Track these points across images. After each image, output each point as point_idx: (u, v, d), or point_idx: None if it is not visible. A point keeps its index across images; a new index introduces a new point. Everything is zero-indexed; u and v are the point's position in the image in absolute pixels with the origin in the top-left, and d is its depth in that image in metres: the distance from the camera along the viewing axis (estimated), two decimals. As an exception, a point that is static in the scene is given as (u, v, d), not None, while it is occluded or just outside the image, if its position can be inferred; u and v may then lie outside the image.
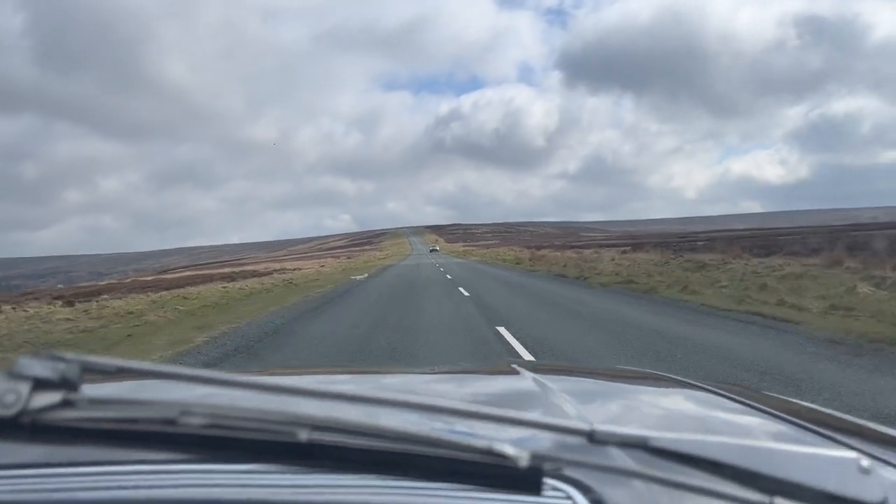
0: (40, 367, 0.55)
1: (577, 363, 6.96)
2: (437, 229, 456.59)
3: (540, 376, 1.48)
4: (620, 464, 0.66)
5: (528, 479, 0.61)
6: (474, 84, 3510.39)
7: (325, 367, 5.12)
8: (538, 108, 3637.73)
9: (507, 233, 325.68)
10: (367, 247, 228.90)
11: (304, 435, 0.58)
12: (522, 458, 0.60)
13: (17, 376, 0.55)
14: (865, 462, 0.65)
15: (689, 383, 1.58)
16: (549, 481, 0.68)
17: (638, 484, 0.71)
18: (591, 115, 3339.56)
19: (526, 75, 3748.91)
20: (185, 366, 0.74)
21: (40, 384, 0.55)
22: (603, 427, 0.64)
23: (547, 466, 0.62)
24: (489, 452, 0.60)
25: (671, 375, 1.74)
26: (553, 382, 1.43)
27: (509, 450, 0.60)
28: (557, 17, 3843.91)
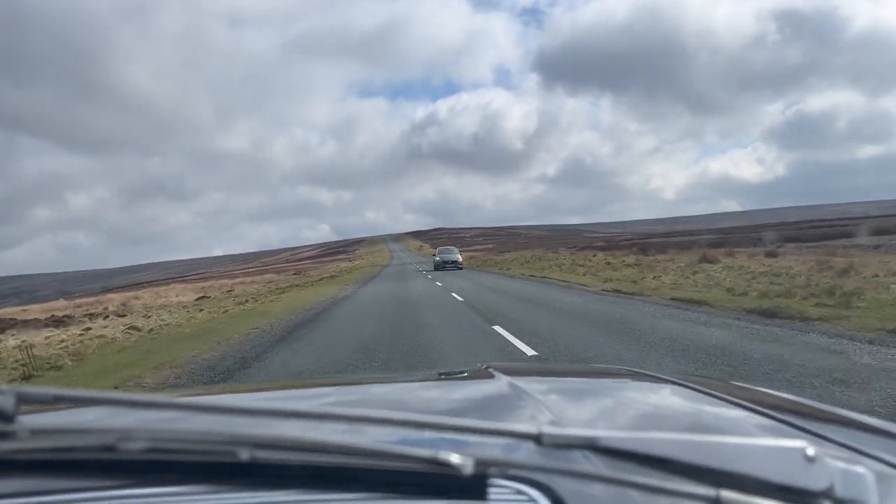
0: None
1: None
2: (419, 235, 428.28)
3: (515, 379, 1.47)
4: (568, 466, 0.66)
5: (473, 486, 0.60)
6: (450, 89, 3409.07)
7: (281, 382, 4.55)
8: (516, 112, 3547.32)
9: (498, 236, 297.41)
10: (339, 256, 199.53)
11: (245, 454, 0.57)
12: (467, 466, 0.59)
13: None
14: (811, 451, 0.64)
15: (664, 378, 1.60)
16: (495, 488, 0.66)
17: (586, 485, 0.70)
18: (570, 116, 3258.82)
19: (503, 78, 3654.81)
20: (122, 391, 0.60)
21: None
22: (550, 430, 0.63)
23: (492, 472, 0.61)
24: (434, 462, 0.59)
25: (650, 372, 1.78)
26: (527, 384, 1.43)
27: (454, 458, 0.59)
28: (533, 17, 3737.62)
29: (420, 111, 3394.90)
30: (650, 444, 0.65)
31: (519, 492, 0.70)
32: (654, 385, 1.57)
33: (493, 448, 0.74)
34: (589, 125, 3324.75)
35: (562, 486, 0.71)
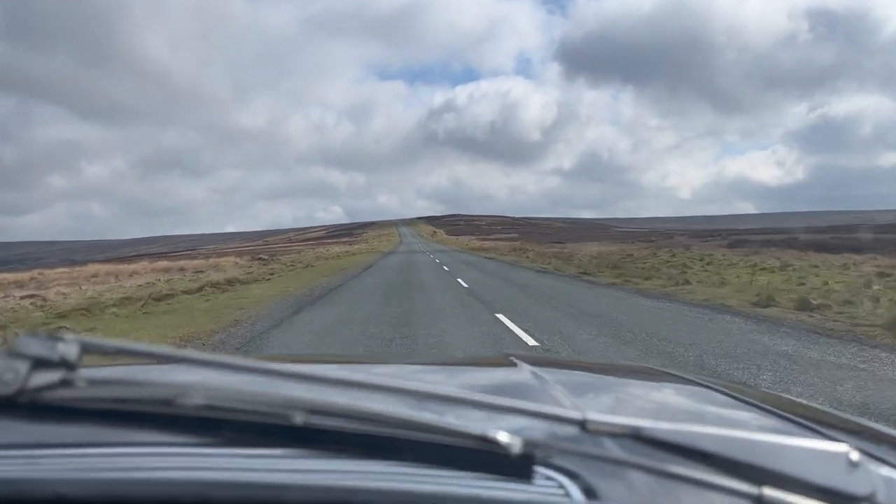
0: (39, 347, 0.54)
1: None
2: (433, 220, 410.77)
3: (537, 368, 1.47)
4: (611, 453, 0.66)
5: (519, 466, 0.61)
6: (470, 75, 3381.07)
7: (318, 356, 4.62)
8: (535, 102, 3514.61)
9: (517, 226, 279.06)
10: (345, 239, 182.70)
11: (299, 418, 0.57)
12: (515, 446, 0.60)
13: (16, 355, 0.54)
14: (855, 455, 0.65)
15: (682, 377, 1.61)
16: (540, 469, 0.67)
17: (628, 473, 0.71)
18: (590, 108, 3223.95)
19: (523, 67, 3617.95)
20: (181, 349, 0.67)
21: (39, 363, 0.54)
22: (595, 416, 0.64)
23: (538, 454, 0.62)
24: (482, 439, 0.60)
25: (666, 370, 1.77)
26: (549, 374, 1.44)
27: (502, 437, 0.60)
28: (557, 4, 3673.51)
29: (438, 96, 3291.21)
30: (694, 438, 0.65)
31: (560, 476, 0.71)
32: (682, 385, 1.53)
33: (535, 431, 0.74)
34: (608, 118, 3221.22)
35: (602, 473, 0.72)
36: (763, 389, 1.75)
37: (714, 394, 1.36)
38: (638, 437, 0.64)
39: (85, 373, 0.56)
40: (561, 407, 0.65)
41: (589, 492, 0.70)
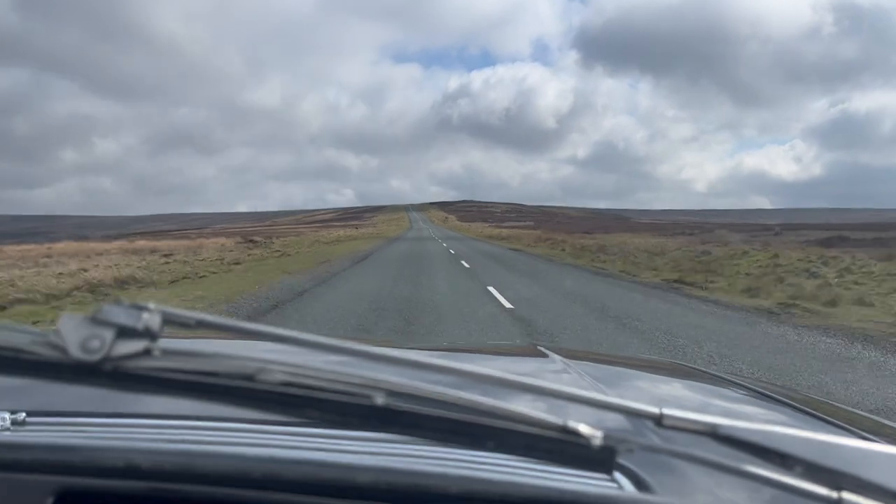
0: (124, 315, 0.54)
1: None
2: (444, 206, 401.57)
3: (569, 360, 1.45)
4: (688, 450, 0.64)
5: (600, 458, 0.60)
6: (486, 60, 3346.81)
7: (351, 338, 4.02)
8: (551, 89, 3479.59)
9: (532, 214, 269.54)
10: (353, 221, 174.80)
11: (380, 399, 0.57)
12: (596, 438, 0.59)
13: (100, 322, 0.54)
14: None
15: (718, 376, 1.56)
16: (619, 463, 0.66)
17: (703, 471, 0.68)
18: (607, 98, 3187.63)
19: (541, 53, 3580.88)
20: (261, 324, 0.60)
21: (123, 332, 0.54)
22: (671, 412, 0.62)
23: (620, 447, 0.61)
24: (563, 430, 0.59)
25: (700, 367, 1.70)
26: (582, 367, 1.41)
27: (584, 428, 0.59)
28: None
29: (454, 81, 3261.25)
30: (772, 438, 0.63)
31: (637, 470, 0.68)
32: (721, 385, 1.47)
33: (610, 424, 0.72)
34: (625, 108, 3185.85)
35: (673, 468, 0.70)
36: (806, 392, 1.61)
37: (751, 392, 1.32)
38: (714, 435, 0.63)
39: (166, 343, 0.56)
40: (635, 401, 0.64)
41: (657, 487, 0.69)
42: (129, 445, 0.68)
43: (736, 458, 0.61)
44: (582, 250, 29.70)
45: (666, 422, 0.61)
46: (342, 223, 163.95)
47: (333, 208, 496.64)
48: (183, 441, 0.69)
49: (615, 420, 0.74)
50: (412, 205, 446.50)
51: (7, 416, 0.75)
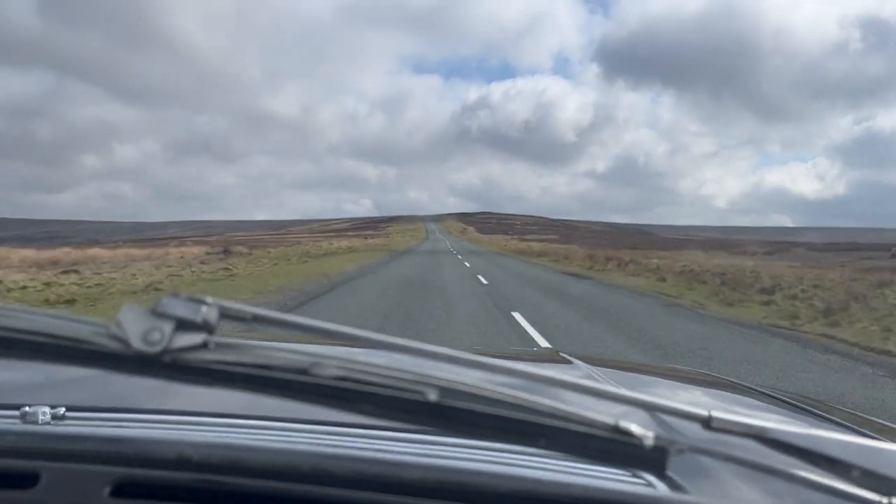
0: (183, 308, 0.55)
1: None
2: (462, 217, 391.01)
3: (592, 368, 1.43)
4: (737, 452, 0.64)
5: (652, 459, 0.60)
6: (506, 72, 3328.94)
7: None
8: (572, 102, 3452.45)
9: (554, 227, 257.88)
10: (368, 232, 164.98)
11: (433, 395, 0.57)
12: (648, 438, 0.58)
13: (160, 315, 0.55)
14: None
15: (738, 384, 1.54)
16: (670, 463, 0.66)
17: (752, 473, 0.67)
18: (628, 111, 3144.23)
19: (561, 66, 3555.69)
20: (315, 319, 0.61)
21: (182, 325, 0.54)
22: (720, 414, 0.61)
23: (671, 448, 0.60)
24: (615, 430, 0.58)
25: (725, 377, 1.68)
26: (607, 374, 1.38)
27: (636, 429, 0.58)
28: (599, 3, 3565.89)
29: (473, 92, 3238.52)
30: (820, 442, 0.62)
31: (685, 471, 0.68)
32: (744, 392, 1.45)
33: (660, 425, 0.71)
34: (646, 122, 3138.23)
35: (722, 470, 0.69)
36: (843, 407, 1.49)
37: (777, 401, 1.30)
38: (762, 439, 0.62)
39: (221, 337, 0.57)
40: (685, 403, 0.64)
41: (706, 490, 0.69)
42: (180, 438, 0.70)
43: (785, 463, 0.60)
44: (692, 280, 18.89)
45: (715, 424, 0.61)
46: (355, 233, 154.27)
47: (349, 218, 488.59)
48: (236, 434, 0.71)
49: (664, 422, 0.72)
50: (429, 216, 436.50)
51: (48, 410, 0.76)
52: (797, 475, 0.60)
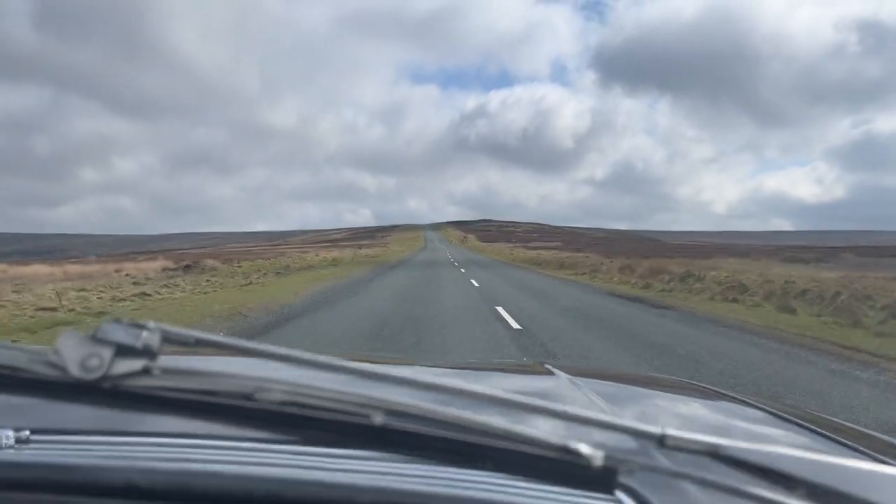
0: (123, 334, 0.53)
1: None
2: (462, 225, 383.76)
3: (575, 378, 1.44)
4: (691, 470, 0.63)
5: (601, 479, 0.59)
6: (504, 80, 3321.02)
7: (356, 355, 3.85)
8: (569, 109, 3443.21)
9: (556, 234, 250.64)
10: (366, 241, 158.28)
11: (378, 418, 0.56)
12: (597, 458, 0.57)
13: (99, 341, 0.53)
14: None
15: (722, 393, 1.55)
16: (620, 484, 0.65)
17: (706, 492, 0.67)
18: (625, 118, 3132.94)
19: (558, 74, 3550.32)
20: (260, 343, 0.61)
21: (122, 350, 0.53)
22: (674, 432, 0.61)
23: (621, 468, 0.60)
24: (564, 450, 0.57)
25: (703, 385, 1.71)
26: (588, 385, 1.39)
27: (584, 449, 0.58)
28: (595, 11, 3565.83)
29: (471, 101, 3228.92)
30: (776, 459, 0.61)
31: (637, 492, 0.68)
32: (726, 402, 1.47)
33: (612, 444, 0.71)
34: (644, 129, 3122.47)
35: (674, 490, 0.70)
36: (809, 409, 1.59)
37: (759, 412, 1.31)
38: (716, 456, 0.61)
39: (165, 362, 0.55)
40: (639, 420, 0.64)
41: None
42: (129, 465, 0.68)
43: (739, 480, 0.60)
44: (819, 306, 12.03)
45: (669, 442, 0.60)
46: (350, 243, 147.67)
47: (348, 228, 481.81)
48: (184, 459, 0.69)
49: (618, 440, 0.73)
50: (429, 224, 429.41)
51: (11, 433, 0.74)
52: (750, 492, 0.59)
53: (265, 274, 27.68)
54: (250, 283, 23.15)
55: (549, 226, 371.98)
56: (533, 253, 64.31)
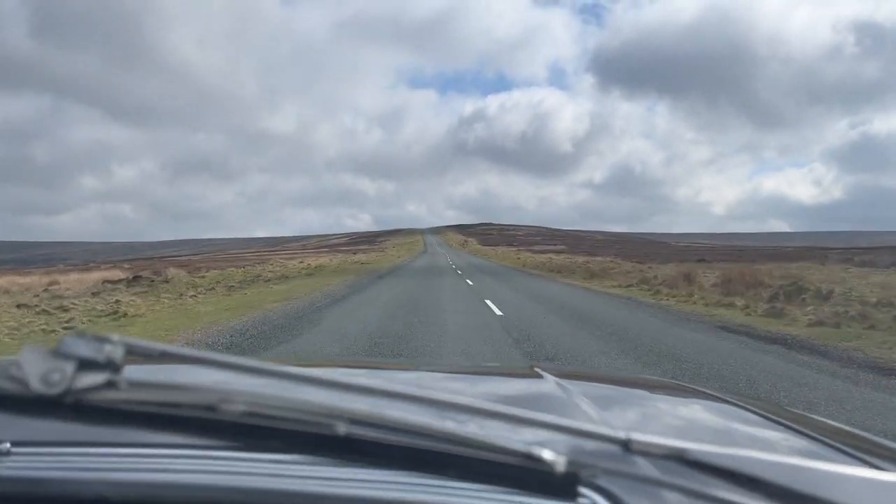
0: (85, 348, 0.53)
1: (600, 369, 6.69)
2: (462, 229, 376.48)
3: (563, 381, 1.42)
4: (654, 475, 0.63)
5: (563, 485, 0.59)
6: (502, 84, 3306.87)
7: (341, 361, 4.41)
8: (567, 113, 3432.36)
9: (559, 237, 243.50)
10: (363, 246, 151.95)
11: (342, 428, 0.56)
12: (559, 464, 0.57)
13: (62, 355, 0.53)
14: None
15: (712, 395, 1.54)
16: (583, 489, 0.65)
17: (671, 496, 0.67)
18: (624, 121, 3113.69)
19: (557, 77, 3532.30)
20: (225, 354, 0.61)
21: (84, 364, 0.53)
22: (639, 437, 0.61)
23: (583, 473, 0.60)
24: (526, 456, 0.58)
25: (694, 386, 1.71)
26: (576, 387, 1.38)
27: (547, 455, 0.58)
28: (593, 14, 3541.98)
29: (469, 106, 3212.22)
30: (742, 462, 0.61)
31: (601, 497, 0.67)
32: (714, 403, 1.45)
33: (577, 449, 0.71)
34: (643, 131, 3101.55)
35: (640, 494, 0.69)
36: (795, 410, 1.57)
37: (746, 413, 1.30)
38: (682, 460, 0.61)
39: (128, 374, 0.55)
40: (603, 425, 0.63)
41: None
42: (100, 477, 0.67)
43: (704, 483, 0.60)
44: None
45: (634, 447, 0.60)
46: (348, 248, 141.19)
47: (347, 233, 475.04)
48: (149, 471, 0.68)
49: (584, 445, 0.72)
50: (428, 228, 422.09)
51: None
52: (715, 495, 0.59)
53: (212, 289, 21.18)
54: (181, 299, 16.81)
55: (548, 228, 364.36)
56: (542, 257, 57.36)
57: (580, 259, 49.42)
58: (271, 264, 46.50)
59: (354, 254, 78.41)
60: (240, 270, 37.31)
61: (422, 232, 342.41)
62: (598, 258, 50.36)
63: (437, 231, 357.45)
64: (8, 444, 0.73)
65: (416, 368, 2.09)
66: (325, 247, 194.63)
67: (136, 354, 0.55)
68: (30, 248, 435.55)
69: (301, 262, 51.30)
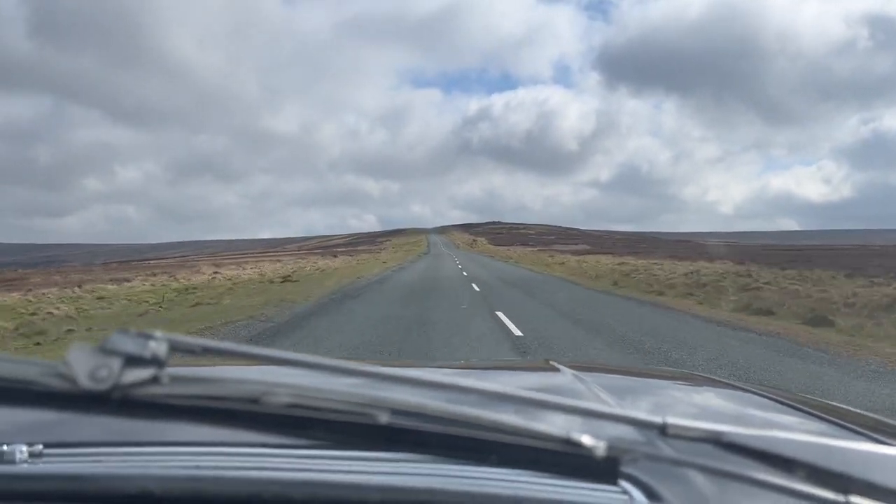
0: (131, 344, 0.54)
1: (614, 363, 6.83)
2: (469, 228, 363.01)
3: (580, 372, 1.44)
4: (693, 458, 0.63)
5: (604, 469, 0.60)
6: (506, 83, 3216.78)
7: (366, 360, 4.07)
8: (573, 111, 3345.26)
9: (573, 236, 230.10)
10: (363, 246, 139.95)
11: (383, 418, 0.57)
12: (599, 449, 0.58)
13: (108, 352, 0.54)
14: None
15: (726, 382, 1.55)
16: (624, 473, 0.65)
17: (709, 479, 0.68)
18: (630, 118, 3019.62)
19: (562, 75, 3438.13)
20: (267, 348, 0.61)
21: (130, 360, 0.54)
22: (675, 420, 0.61)
23: (624, 458, 0.60)
24: (566, 441, 0.58)
25: (706, 375, 1.69)
26: (594, 378, 1.40)
27: (586, 440, 0.58)
28: (599, 10, 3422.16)
29: (474, 105, 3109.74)
30: (777, 444, 0.61)
31: (641, 480, 0.67)
32: (728, 390, 1.47)
33: (615, 435, 0.71)
34: (650, 129, 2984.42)
35: (678, 477, 0.68)
36: (808, 395, 1.56)
37: (764, 399, 1.31)
38: (718, 443, 0.61)
39: (173, 370, 0.56)
40: (641, 411, 0.63)
41: (669, 497, 0.68)
42: (142, 473, 0.69)
43: (741, 465, 0.60)
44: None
45: (670, 430, 0.60)
46: (347, 249, 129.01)
47: (351, 234, 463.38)
48: (195, 466, 0.70)
49: (621, 430, 0.73)
50: (434, 228, 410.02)
51: (25, 448, 0.74)
52: (753, 477, 0.59)
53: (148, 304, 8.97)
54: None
55: (560, 227, 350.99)
56: (592, 262, 41.61)
57: (635, 262, 36.79)
58: (246, 269, 34.38)
59: (352, 256, 65.93)
60: (203, 278, 24.97)
61: (426, 232, 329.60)
62: (653, 260, 37.77)
63: (442, 231, 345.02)
64: (40, 446, 0.73)
65: (437, 366, 2.13)
66: (325, 247, 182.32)
67: (180, 350, 0.56)
68: (34, 250, 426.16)
69: (284, 266, 38.85)
